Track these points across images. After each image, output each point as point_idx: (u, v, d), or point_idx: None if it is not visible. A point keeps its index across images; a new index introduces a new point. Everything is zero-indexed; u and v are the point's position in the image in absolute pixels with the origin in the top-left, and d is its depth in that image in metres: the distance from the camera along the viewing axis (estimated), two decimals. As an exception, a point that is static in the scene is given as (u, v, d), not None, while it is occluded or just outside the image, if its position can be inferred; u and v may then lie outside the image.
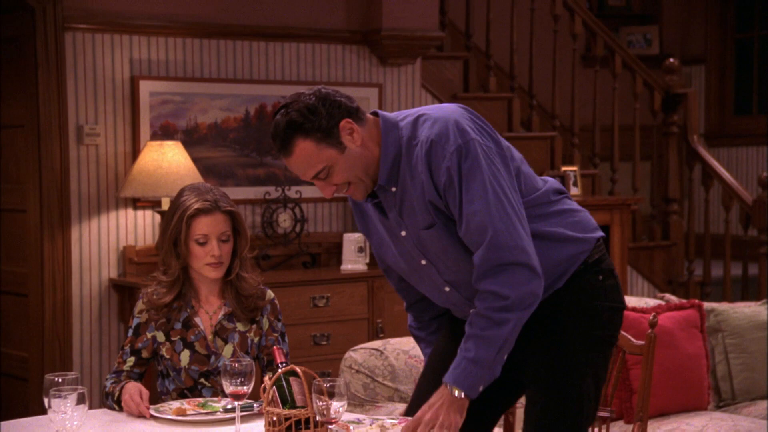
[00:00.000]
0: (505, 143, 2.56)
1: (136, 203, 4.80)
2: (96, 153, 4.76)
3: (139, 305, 3.06)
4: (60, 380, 2.48)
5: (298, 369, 2.53)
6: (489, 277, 2.43)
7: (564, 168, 6.02)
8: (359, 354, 3.85)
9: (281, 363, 2.63)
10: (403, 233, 2.56)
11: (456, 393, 2.45)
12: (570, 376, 2.59)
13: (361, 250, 5.04)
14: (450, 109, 2.50)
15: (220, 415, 2.77)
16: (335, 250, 5.23)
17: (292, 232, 5.14)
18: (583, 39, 6.48)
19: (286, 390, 2.54)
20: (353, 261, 5.03)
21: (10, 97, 4.93)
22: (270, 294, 3.13)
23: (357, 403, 3.79)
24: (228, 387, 2.63)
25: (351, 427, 2.59)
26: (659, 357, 4.04)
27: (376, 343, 3.90)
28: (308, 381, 2.51)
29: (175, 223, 2.98)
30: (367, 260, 5.07)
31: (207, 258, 2.98)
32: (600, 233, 2.66)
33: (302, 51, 5.26)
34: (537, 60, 6.15)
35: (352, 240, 5.04)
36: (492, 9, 6.03)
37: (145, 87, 4.81)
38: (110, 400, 2.94)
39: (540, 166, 6.05)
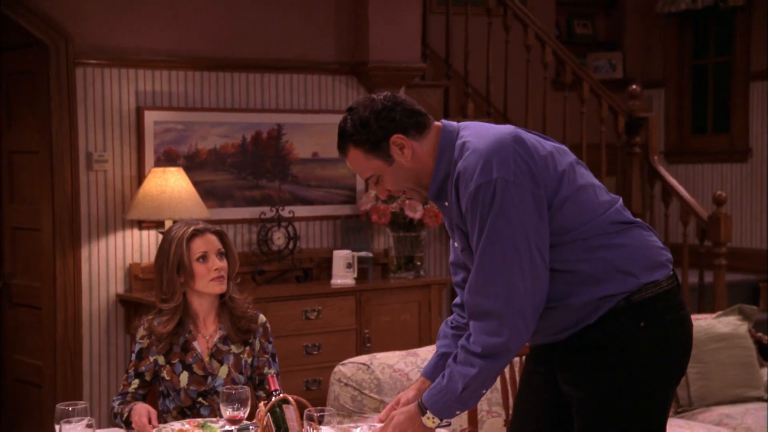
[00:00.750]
0: (557, 170, 2.31)
1: (142, 224, 4.77)
2: (104, 178, 4.73)
3: (141, 332, 3.05)
4: (71, 409, 2.47)
5: (290, 398, 2.53)
6: (472, 319, 2.31)
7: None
8: (347, 368, 3.84)
9: (275, 391, 2.62)
10: (456, 244, 2.46)
11: (428, 419, 2.36)
12: (597, 421, 2.37)
13: (349, 266, 5.02)
14: (494, 138, 2.29)
15: None
16: (326, 265, 5.21)
17: (285, 249, 5.12)
18: (553, 66, 6.48)
19: (280, 417, 2.54)
20: (342, 276, 5.01)
21: (25, 125, 4.89)
22: (262, 318, 3.13)
23: (345, 414, 3.78)
24: (225, 412, 2.63)
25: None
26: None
27: (364, 358, 3.88)
28: (300, 408, 2.51)
29: (175, 249, 2.98)
30: (355, 275, 5.06)
31: (210, 273, 2.99)
32: (658, 276, 2.34)
33: (295, 82, 5.23)
34: (511, 86, 6.14)
35: (341, 256, 5.02)
36: (470, 41, 6.02)
37: (150, 117, 4.77)
38: (119, 419, 2.94)
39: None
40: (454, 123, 2.43)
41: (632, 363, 2.32)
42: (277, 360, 3.14)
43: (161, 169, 4.60)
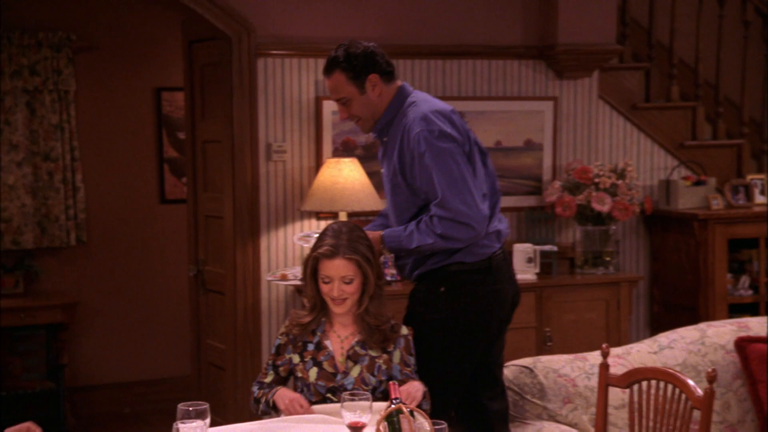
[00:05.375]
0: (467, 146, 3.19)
1: (319, 214, 4.86)
2: (283, 168, 4.86)
3: (282, 329, 3.14)
4: (191, 410, 2.55)
5: (405, 408, 2.50)
6: (437, 208, 3.10)
7: (750, 176, 5.61)
8: (510, 370, 3.74)
9: (395, 399, 2.60)
10: (383, 170, 3.33)
11: (384, 249, 3.22)
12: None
13: (530, 260, 4.89)
14: (435, 102, 3.21)
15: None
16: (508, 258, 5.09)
17: (465, 242, 5.05)
18: (777, 42, 5.99)
19: (397, 427, 2.51)
20: (523, 271, 4.89)
21: (214, 115, 5.11)
22: (404, 330, 3.11)
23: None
24: (347, 418, 2.63)
25: None
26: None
27: (527, 361, 3.77)
28: (417, 419, 2.47)
29: (309, 260, 3.05)
30: (537, 270, 4.92)
31: (331, 295, 3.01)
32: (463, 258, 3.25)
33: (478, 67, 5.15)
34: (724, 66, 5.74)
35: (521, 250, 4.90)
36: (676, 17, 5.68)
37: (328, 106, 4.85)
38: (263, 405, 3.04)
39: (725, 174, 5.66)
40: (410, 87, 3.28)
41: (437, 314, 3.25)
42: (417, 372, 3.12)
43: (335, 159, 4.67)
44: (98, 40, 6.15)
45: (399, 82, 3.26)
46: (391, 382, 2.67)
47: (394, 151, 3.20)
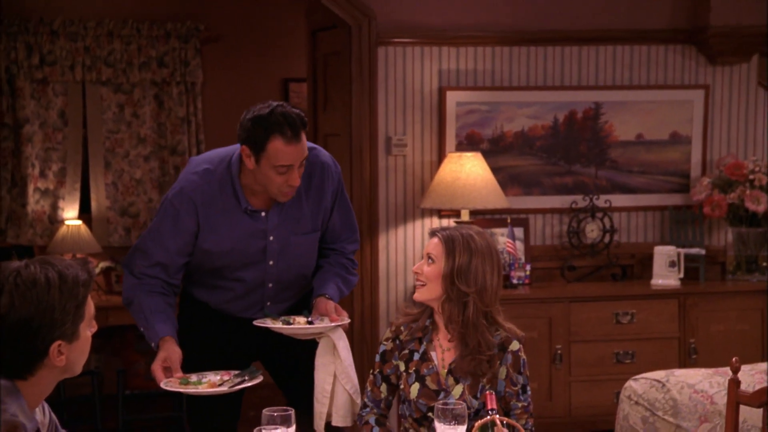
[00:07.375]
0: None
1: (441, 212, 4.85)
2: (403, 163, 4.87)
3: (386, 334, 3.12)
4: (276, 415, 2.58)
5: (497, 420, 2.46)
6: (353, 243, 3.38)
7: None
8: (639, 384, 3.63)
9: (491, 410, 2.56)
10: (271, 238, 3.18)
11: None
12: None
13: (673, 264, 4.73)
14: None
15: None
16: (649, 262, 4.94)
17: (600, 243, 4.94)
18: None
19: (490, 438, 2.48)
20: (664, 276, 4.74)
21: (333, 107, 5.18)
22: (515, 345, 2.99)
23: (633, 437, 3.59)
24: (441, 428, 2.61)
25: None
26: None
27: (659, 374, 3.65)
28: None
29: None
30: (681, 275, 4.76)
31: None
32: None
33: (619, 53, 5.01)
34: None
35: (663, 253, 4.75)
36: None
37: (452, 97, 4.83)
38: None
39: None
40: None
41: None
42: (528, 391, 3.03)
43: (457, 154, 4.65)
44: (225, 30, 6.31)
45: None
46: (487, 392, 2.63)
47: (309, 201, 3.22)
